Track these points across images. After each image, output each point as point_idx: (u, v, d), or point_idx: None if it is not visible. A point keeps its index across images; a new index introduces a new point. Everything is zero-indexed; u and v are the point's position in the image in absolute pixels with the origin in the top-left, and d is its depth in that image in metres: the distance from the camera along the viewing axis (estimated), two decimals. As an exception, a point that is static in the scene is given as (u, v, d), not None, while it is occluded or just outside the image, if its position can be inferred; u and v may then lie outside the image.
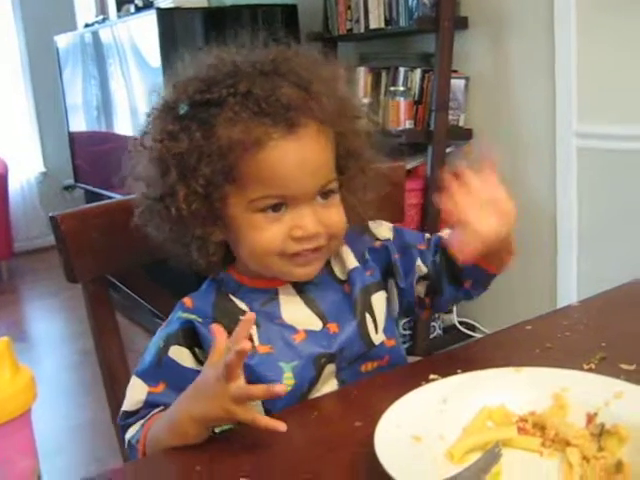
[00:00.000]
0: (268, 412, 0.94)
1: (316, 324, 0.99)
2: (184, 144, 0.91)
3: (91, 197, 4.49)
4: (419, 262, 1.06)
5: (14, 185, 5.53)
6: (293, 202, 0.93)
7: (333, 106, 0.95)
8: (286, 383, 0.95)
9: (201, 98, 0.92)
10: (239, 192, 0.92)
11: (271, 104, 0.89)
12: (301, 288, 1.01)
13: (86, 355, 3.32)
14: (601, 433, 0.77)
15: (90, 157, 4.62)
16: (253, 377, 0.92)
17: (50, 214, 1.12)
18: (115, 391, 1.16)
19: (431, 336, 3.16)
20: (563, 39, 2.66)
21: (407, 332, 3.08)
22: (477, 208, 0.86)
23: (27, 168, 5.76)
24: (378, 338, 1.02)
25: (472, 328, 3.28)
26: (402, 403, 0.82)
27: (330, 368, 0.99)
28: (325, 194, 0.95)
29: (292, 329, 0.98)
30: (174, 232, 0.96)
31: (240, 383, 0.80)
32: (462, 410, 0.83)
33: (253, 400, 0.82)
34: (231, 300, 0.99)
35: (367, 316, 1.02)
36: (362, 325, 1.01)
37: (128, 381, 1.08)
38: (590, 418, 0.81)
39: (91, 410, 2.88)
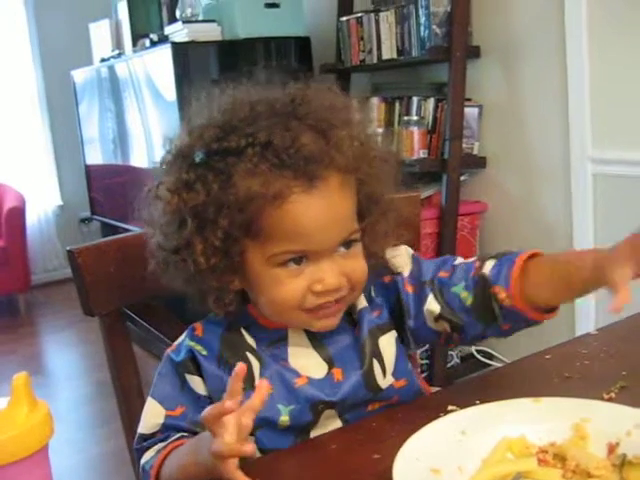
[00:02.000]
0: (268, 451, 0.94)
1: (321, 371, 0.97)
2: (201, 196, 0.88)
3: (107, 229, 4.52)
4: (430, 303, 0.97)
5: (31, 218, 5.57)
6: (314, 255, 0.90)
7: (354, 152, 0.91)
8: (280, 425, 0.94)
9: (218, 147, 0.89)
10: (258, 246, 0.89)
11: (291, 156, 0.86)
12: (312, 331, 0.98)
13: (103, 387, 3.32)
14: (623, 464, 0.76)
15: (106, 190, 4.66)
16: None
17: (67, 248, 1.13)
18: (132, 423, 1.15)
19: (448, 365, 3.14)
20: (575, 65, 2.67)
21: (424, 361, 3.06)
22: None
23: (44, 201, 5.80)
24: (386, 382, 0.99)
25: (490, 357, 3.25)
26: (420, 435, 0.81)
27: (329, 413, 0.97)
28: (347, 244, 0.93)
29: (295, 373, 0.96)
30: (190, 283, 0.94)
31: (226, 440, 0.76)
32: (481, 441, 0.82)
33: (234, 456, 0.77)
34: (241, 334, 0.98)
35: (375, 362, 0.99)
36: (369, 373, 0.98)
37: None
38: (611, 448, 0.79)
39: (108, 442, 2.88)
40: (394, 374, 1.00)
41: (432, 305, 0.98)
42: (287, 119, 0.89)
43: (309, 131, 0.89)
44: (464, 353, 3.25)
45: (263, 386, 0.79)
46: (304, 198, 0.87)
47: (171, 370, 0.98)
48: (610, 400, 0.92)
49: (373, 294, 1.02)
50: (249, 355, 0.97)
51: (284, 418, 0.94)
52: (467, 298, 0.95)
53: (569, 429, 0.83)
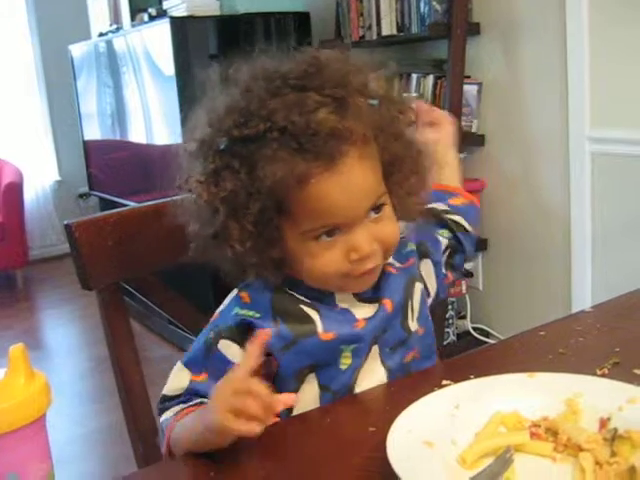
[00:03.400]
0: (324, 388, 0.98)
1: (372, 308, 1.00)
2: (230, 184, 0.90)
3: (105, 205, 4.52)
4: (439, 237, 1.13)
5: (29, 193, 5.57)
6: (346, 226, 0.92)
7: (373, 117, 0.93)
8: (343, 362, 0.97)
9: (239, 133, 0.90)
10: (291, 223, 0.92)
11: (309, 138, 0.87)
12: None
13: (101, 362, 3.34)
14: (614, 438, 0.77)
15: (104, 165, 4.65)
16: (311, 361, 0.96)
17: (65, 222, 1.13)
18: (129, 398, 1.16)
19: (445, 342, 3.16)
20: (575, 44, 2.66)
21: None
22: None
23: (42, 176, 5.81)
24: (414, 326, 1.04)
25: (486, 334, 3.27)
26: (414, 408, 0.82)
27: (374, 349, 1.00)
28: (377, 208, 0.94)
29: (352, 317, 0.98)
30: (231, 262, 0.96)
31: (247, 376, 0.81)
32: (474, 415, 0.83)
33: (252, 399, 0.80)
34: (290, 293, 0.99)
35: (409, 303, 1.04)
36: (404, 311, 1.03)
37: (142, 388, 1.08)
38: (603, 423, 0.80)
39: (106, 417, 2.90)
40: (418, 320, 1.05)
41: (440, 237, 1.15)
42: (303, 92, 0.89)
43: (326, 104, 0.89)
44: (460, 330, 3.27)
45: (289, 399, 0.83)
46: (326, 177, 0.88)
47: (205, 335, 0.99)
48: (603, 376, 0.93)
49: (409, 248, 1.08)
50: (304, 307, 0.97)
51: (346, 354, 0.97)
52: (444, 232, 1.16)
53: (562, 404, 0.84)
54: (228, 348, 0.96)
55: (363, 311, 0.99)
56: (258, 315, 0.97)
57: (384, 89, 0.99)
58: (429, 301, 1.11)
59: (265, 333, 0.85)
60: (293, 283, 0.99)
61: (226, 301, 1.01)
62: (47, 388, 0.70)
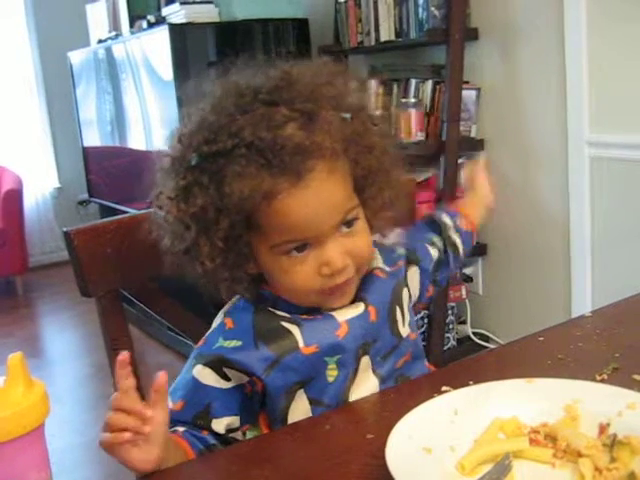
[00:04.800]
0: (315, 402, 0.97)
1: (357, 309, 0.99)
2: (200, 201, 0.90)
3: (105, 212, 4.52)
4: (429, 248, 1.16)
5: (29, 200, 5.57)
6: (316, 241, 0.91)
7: (344, 130, 0.92)
8: (329, 374, 0.96)
9: (208, 149, 0.90)
10: (261, 238, 0.92)
11: (276, 154, 0.86)
12: None
13: (100, 369, 3.33)
14: (613, 444, 0.77)
15: (104, 172, 4.65)
16: (297, 378, 0.95)
17: (64, 229, 1.13)
18: (129, 405, 1.16)
19: (445, 347, 3.15)
20: (574, 49, 2.66)
21: (422, 343, 3.07)
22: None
23: (42, 183, 5.80)
24: (405, 331, 1.04)
25: (486, 339, 3.27)
26: (414, 414, 0.82)
27: (365, 360, 0.99)
28: (348, 223, 0.94)
29: (334, 322, 0.97)
30: (204, 277, 0.96)
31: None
32: (474, 422, 0.83)
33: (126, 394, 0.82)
34: (271, 312, 0.98)
35: (397, 309, 1.03)
36: (393, 318, 1.02)
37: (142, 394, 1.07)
38: (602, 429, 0.80)
39: (106, 424, 2.89)
40: (409, 325, 1.05)
41: (431, 249, 1.17)
42: (272, 107, 0.89)
43: (294, 118, 0.89)
44: (461, 335, 3.27)
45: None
46: (293, 192, 0.88)
47: (188, 364, 0.98)
48: (602, 381, 0.93)
49: (398, 252, 1.09)
50: (284, 323, 0.96)
51: (332, 366, 0.97)
52: (436, 240, 1.18)
53: (561, 410, 0.84)
54: (202, 371, 0.96)
55: (346, 312, 0.98)
56: (240, 344, 0.95)
57: (358, 101, 0.99)
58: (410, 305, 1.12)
59: (124, 355, 0.83)
60: (275, 301, 0.99)
61: (213, 325, 1.01)
62: (46, 397, 0.70)
